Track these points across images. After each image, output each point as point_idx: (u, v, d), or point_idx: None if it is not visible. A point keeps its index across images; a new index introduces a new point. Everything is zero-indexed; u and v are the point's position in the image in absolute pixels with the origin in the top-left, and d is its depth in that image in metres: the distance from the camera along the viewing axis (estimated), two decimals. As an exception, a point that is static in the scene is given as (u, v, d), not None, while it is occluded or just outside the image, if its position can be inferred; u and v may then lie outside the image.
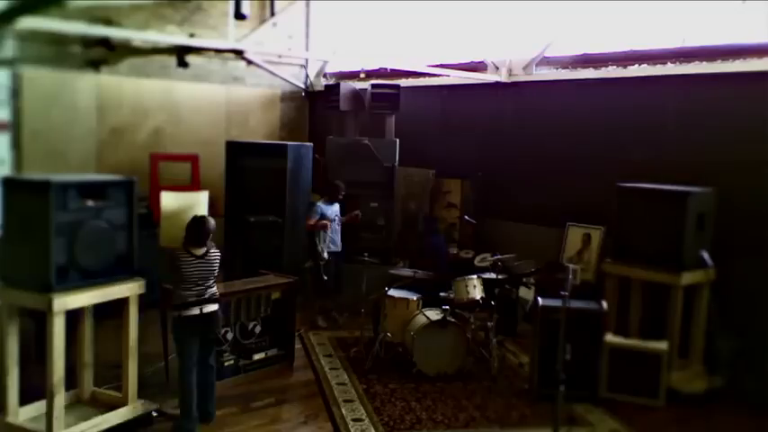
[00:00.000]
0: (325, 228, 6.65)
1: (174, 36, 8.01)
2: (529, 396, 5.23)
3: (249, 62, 8.74)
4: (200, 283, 4.44)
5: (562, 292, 4.10)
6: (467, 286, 5.77)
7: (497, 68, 7.60)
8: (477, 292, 5.74)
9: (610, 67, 6.74)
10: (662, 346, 5.22)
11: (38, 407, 4.34)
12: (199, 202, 5.05)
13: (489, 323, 5.73)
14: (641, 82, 6.37)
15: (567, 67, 7.15)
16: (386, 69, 8.74)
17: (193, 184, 7.74)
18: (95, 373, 4.67)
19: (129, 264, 4.48)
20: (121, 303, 4.46)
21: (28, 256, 4.10)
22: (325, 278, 6.65)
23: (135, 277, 4.50)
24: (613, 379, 5.24)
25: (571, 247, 6.70)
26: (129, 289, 4.45)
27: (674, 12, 6.28)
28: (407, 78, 8.58)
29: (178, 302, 4.39)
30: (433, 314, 5.65)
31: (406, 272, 6.52)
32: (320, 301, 6.90)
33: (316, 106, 9.68)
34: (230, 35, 7.66)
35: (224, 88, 8.80)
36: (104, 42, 7.54)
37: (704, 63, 5.98)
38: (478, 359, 5.76)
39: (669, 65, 6.25)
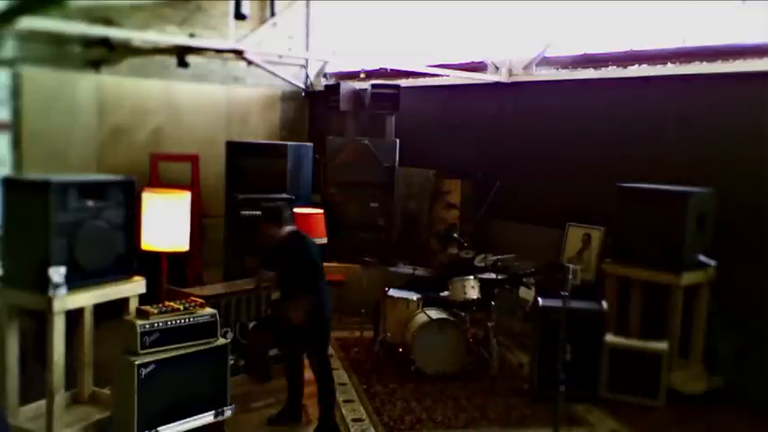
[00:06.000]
0: None
1: (174, 36, 8.01)
2: (529, 396, 5.23)
3: (249, 62, 8.75)
4: None
5: (562, 292, 4.10)
6: (464, 286, 5.78)
7: (497, 68, 7.60)
8: (473, 293, 5.74)
9: (610, 68, 6.74)
10: (662, 346, 5.22)
11: (38, 407, 4.34)
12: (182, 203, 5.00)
13: (489, 323, 5.74)
14: (641, 82, 6.38)
15: (568, 68, 7.14)
16: (386, 69, 8.74)
17: (193, 185, 7.76)
18: (95, 373, 4.66)
19: (129, 264, 4.49)
20: (121, 303, 4.46)
21: (28, 257, 4.10)
22: None
23: (135, 277, 4.51)
24: (613, 379, 5.24)
25: (571, 247, 6.70)
26: (129, 289, 4.46)
27: (674, 12, 6.28)
28: (407, 78, 8.58)
29: None
30: (435, 313, 5.66)
31: (405, 269, 6.55)
32: None
33: (316, 106, 9.68)
34: (230, 35, 7.67)
35: (224, 88, 8.80)
36: (104, 42, 7.54)
37: (704, 63, 5.98)
38: (478, 359, 5.77)
39: (669, 65, 6.25)
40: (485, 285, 5.87)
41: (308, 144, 8.17)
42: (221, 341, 4.46)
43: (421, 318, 5.66)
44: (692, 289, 5.46)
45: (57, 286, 3.98)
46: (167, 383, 4.14)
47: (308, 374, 5.62)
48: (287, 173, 7.48)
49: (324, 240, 7.22)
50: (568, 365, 4.04)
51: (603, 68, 6.78)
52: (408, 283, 6.36)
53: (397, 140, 8.05)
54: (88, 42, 7.48)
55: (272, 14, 9.23)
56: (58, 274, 3.99)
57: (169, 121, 8.29)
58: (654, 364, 5.18)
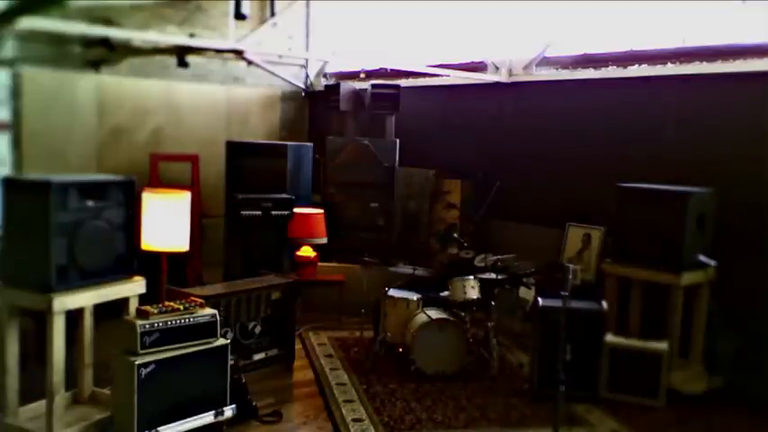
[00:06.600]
0: None
1: (174, 36, 8.01)
2: (529, 396, 5.23)
3: (249, 62, 8.75)
4: None
5: (562, 292, 4.10)
6: (464, 286, 5.78)
7: (497, 68, 7.60)
8: (473, 293, 5.75)
9: (610, 68, 6.74)
10: (662, 346, 5.22)
11: (38, 407, 4.34)
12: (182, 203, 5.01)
13: (489, 323, 5.74)
14: (641, 82, 6.38)
15: (568, 68, 7.15)
16: (386, 69, 8.74)
17: (193, 185, 7.76)
18: (95, 373, 4.67)
19: (129, 264, 4.49)
20: (121, 303, 4.46)
21: (28, 256, 4.10)
22: None
23: (135, 277, 4.51)
24: (613, 379, 5.24)
25: (571, 247, 6.70)
26: (129, 289, 4.46)
27: (674, 12, 6.28)
28: (407, 78, 8.58)
29: None
30: (435, 313, 5.66)
31: (405, 269, 6.57)
32: None
33: (316, 106, 9.68)
34: (230, 35, 7.68)
35: (224, 88, 8.81)
36: (104, 42, 7.55)
37: (704, 63, 5.98)
38: (478, 359, 5.77)
39: (669, 65, 6.25)
40: (485, 285, 5.86)
41: (308, 144, 8.17)
42: (221, 341, 4.46)
43: (421, 318, 5.66)
44: (692, 289, 5.46)
45: None
46: (167, 383, 4.14)
47: (307, 375, 5.66)
48: (287, 173, 7.48)
49: (324, 240, 7.25)
50: (568, 365, 4.04)
51: (603, 68, 6.78)
52: (408, 283, 6.36)
53: (397, 140, 8.05)
54: (88, 42, 7.48)
55: (272, 14, 9.23)
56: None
57: (169, 122, 8.30)
58: (654, 364, 5.18)
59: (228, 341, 4.54)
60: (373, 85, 8.20)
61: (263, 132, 9.27)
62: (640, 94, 6.35)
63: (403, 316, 5.84)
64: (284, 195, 7.08)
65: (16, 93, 6.94)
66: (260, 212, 6.82)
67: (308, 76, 9.82)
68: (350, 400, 5.11)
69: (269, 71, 9.15)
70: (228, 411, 4.45)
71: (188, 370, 4.26)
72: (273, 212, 6.87)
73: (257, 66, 8.94)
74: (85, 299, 4.24)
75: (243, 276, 6.01)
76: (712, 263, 5.06)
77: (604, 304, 5.29)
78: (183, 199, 4.95)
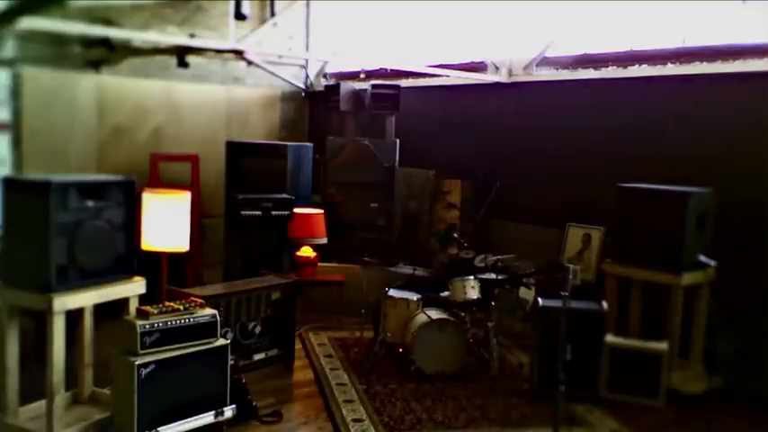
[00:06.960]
0: None
1: (174, 36, 8.01)
2: (529, 396, 5.24)
3: (249, 62, 8.76)
4: None
5: (562, 292, 4.10)
6: (464, 287, 5.78)
7: (497, 68, 7.60)
8: (473, 293, 5.75)
9: (610, 68, 6.74)
10: (662, 346, 5.22)
11: (38, 407, 4.34)
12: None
13: (489, 323, 5.74)
14: (642, 82, 6.38)
15: (568, 68, 7.14)
16: (386, 69, 8.74)
17: (193, 185, 7.76)
18: (95, 373, 4.67)
19: (129, 264, 4.49)
20: (121, 303, 4.47)
21: (28, 257, 4.10)
22: None
23: (135, 277, 4.52)
24: (613, 379, 5.24)
25: (571, 248, 6.70)
26: (129, 289, 4.46)
27: (674, 12, 6.28)
28: (407, 78, 8.58)
29: None
30: (435, 313, 5.66)
31: (405, 269, 6.57)
32: None
33: (316, 106, 9.68)
34: (230, 35, 7.68)
35: (224, 88, 8.81)
36: (104, 42, 7.55)
37: (704, 63, 5.98)
38: (478, 359, 5.77)
39: (669, 65, 6.25)
40: (485, 285, 5.86)
41: (308, 144, 8.18)
42: (221, 341, 4.47)
43: (421, 318, 5.66)
44: (692, 289, 5.46)
45: None
46: (167, 384, 4.14)
47: (307, 375, 5.66)
48: (287, 173, 7.49)
49: (324, 240, 7.25)
50: (568, 365, 4.04)
51: (603, 68, 6.78)
52: (408, 283, 6.36)
53: (397, 140, 8.05)
54: (88, 42, 7.48)
55: (273, 14, 9.23)
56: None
57: (169, 122, 8.30)
58: (654, 364, 5.18)
59: (228, 341, 4.54)
60: (373, 86, 8.20)
61: (263, 132, 9.27)
62: (640, 94, 6.35)
63: (403, 316, 5.84)
64: (284, 195, 7.09)
65: (16, 93, 6.94)
66: (260, 212, 6.83)
67: (308, 77, 9.83)
68: (350, 400, 5.11)
69: (269, 71, 9.15)
70: (228, 411, 4.45)
71: (188, 370, 4.26)
72: (273, 212, 6.88)
73: (257, 66, 8.94)
74: (85, 299, 4.24)
75: (243, 276, 6.01)
76: (712, 263, 5.06)
77: (604, 304, 5.29)
78: (183, 199, 4.95)
